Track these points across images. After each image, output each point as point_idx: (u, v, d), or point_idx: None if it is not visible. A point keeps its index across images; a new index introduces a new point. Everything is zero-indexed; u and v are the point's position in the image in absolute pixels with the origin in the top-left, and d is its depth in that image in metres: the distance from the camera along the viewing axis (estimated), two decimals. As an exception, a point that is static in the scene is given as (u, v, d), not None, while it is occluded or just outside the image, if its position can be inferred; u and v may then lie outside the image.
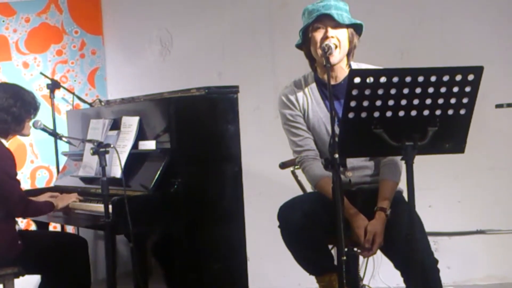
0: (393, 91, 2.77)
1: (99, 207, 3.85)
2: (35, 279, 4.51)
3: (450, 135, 2.89)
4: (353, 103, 2.79)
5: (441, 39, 5.18)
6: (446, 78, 2.77)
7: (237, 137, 4.06)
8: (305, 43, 3.45)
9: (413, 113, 2.81)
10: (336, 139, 2.90)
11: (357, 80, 2.76)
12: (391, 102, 2.79)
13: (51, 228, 4.78)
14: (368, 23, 3.48)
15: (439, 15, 5.22)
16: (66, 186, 4.48)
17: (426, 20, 5.23)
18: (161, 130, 3.97)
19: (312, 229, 3.30)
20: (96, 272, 4.27)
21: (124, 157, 3.97)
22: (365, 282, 3.80)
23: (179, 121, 3.92)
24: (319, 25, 3.37)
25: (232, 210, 4.03)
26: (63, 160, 4.87)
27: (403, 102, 2.79)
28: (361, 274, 3.67)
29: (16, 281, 3.98)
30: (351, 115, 2.81)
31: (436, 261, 3.29)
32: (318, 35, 3.37)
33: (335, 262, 3.34)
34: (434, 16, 5.22)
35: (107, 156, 3.71)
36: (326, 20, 3.36)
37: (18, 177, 3.98)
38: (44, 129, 4.22)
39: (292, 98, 3.53)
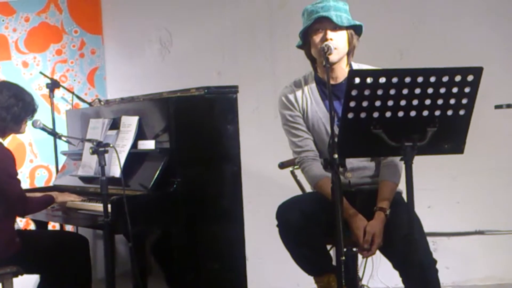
0: (392, 92, 2.78)
1: (98, 207, 3.84)
2: (34, 278, 4.51)
3: (449, 135, 2.89)
4: (352, 104, 2.80)
5: (440, 40, 5.18)
6: (445, 78, 2.78)
7: (236, 137, 4.06)
8: (306, 45, 3.45)
9: (413, 113, 2.82)
10: (336, 139, 2.90)
11: (356, 80, 2.77)
12: (390, 103, 2.80)
13: (50, 227, 4.78)
14: (367, 24, 3.48)
15: (438, 16, 5.22)
16: (65, 186, 4.48)
17: (426, 20, 5.24)
18: (161, 129, 3.97)
19: (310, 229, 3.31)
20: (95, 271, 4.26)
21: (123, 156, 3.97)
22: (364, 282, 3.80)
23: (179, 121, 3.92)
24: (318, 27, 3.37)
25: (231, 209, 4.03)
26: (62, 159, 4.87)
27: (403, 102, 2.80)
28: (360, 274, 3.67)
29: (15, 280, 3.98)
30: (350, 115, 2.82)
31: (435, 261, 3.29)
32: (317, 37, 3.37)
33: (334, 263, 3.34)
34: (434, 16, 5.23)
35: (106, 155, 3.70)
36: (325, 22, 3.36)
37: (18, 176, 3.99)
38: (44, 129, 4.22)
39: (292, 98, 3.53)
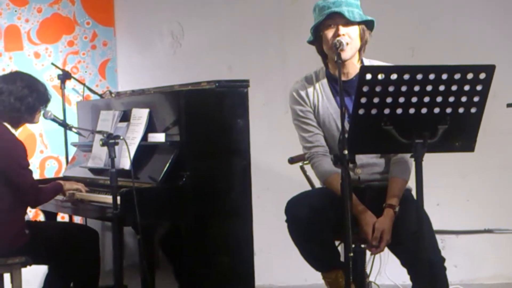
0: (404, 88, 2.77)
1: (107, 199, 3.86)
2: (43, 268, 4.53)
3: (460, 133, 2.89)
4: (363, 100, 2.79)
5: (452, 37, 5.17)
6: (457, 76, 2.77)
7: (246, 131, 4.05)
8: (317, 40, 3.45)
9: (424, 110, 2.81)
10: (346, 135, 2.90)
11: (368, 76, 2.76)
12: (401, 99, 2.79)
13: (59, 218, 4.80)
14: (379, 20, 3.46)
15: (450, 13, 5.21)
16: (75, 177, 4.49)
17: (437, 17, 5.22)
18: (171, 122, 3.97)
19: (319, 224, 3.30)
20: (103, 263, 4.27)
21: (133, 149, 3.97)
22: (371, 279, 3.79)
23: (189, 114, 3.92)
24: (330, 23, 3.36)
25: (240, 204, 4.03)
26: (72, 150, 4.88)
27: (414, 99, 2.79)
28: (368, 271, 3.67)
29: (23, 270, 4.00)
30: (361, 111, 2.81)
31: (443, 259, 3.29)
32: (329, 33, 3.36)
33: (342, 259, 3.34)
34: (445, 13, 5.21)
35: (116, 147, 3.71)
36: (337, 17, 3.35)
37: (29, 167, 4.01)
38: (54, 120, 4.23)
39: (303, 93, 3.52)
